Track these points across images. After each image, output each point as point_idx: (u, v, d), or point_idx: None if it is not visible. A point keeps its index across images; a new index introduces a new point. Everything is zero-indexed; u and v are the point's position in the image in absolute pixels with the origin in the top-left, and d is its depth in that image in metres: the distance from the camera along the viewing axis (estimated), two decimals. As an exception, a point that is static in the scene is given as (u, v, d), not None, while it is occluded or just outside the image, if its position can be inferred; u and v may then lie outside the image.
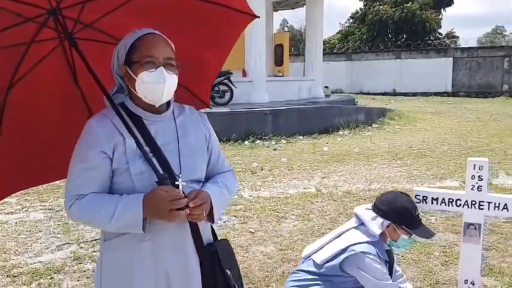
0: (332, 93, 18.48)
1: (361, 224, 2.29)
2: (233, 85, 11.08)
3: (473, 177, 2.26)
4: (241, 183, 6.23)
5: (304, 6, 16.06)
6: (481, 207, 2.28)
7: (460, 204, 2.32)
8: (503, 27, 53.05)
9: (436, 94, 24.22)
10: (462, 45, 28.49)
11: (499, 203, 2.26)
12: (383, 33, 31.99)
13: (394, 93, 25.10)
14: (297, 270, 2.40)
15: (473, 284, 2.35)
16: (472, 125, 12.71)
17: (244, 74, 12.59)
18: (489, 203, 2.27)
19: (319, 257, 2.27)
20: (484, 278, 3.24)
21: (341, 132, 10.98)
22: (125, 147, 1.45)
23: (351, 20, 38.00)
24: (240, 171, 6.88)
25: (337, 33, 40.33)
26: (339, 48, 34.12)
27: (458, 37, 34.29)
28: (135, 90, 1.49)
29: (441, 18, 33.20)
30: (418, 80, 24.64)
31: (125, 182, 1.45)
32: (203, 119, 1.68)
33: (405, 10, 30.56)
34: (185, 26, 1.68)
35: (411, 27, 30.71)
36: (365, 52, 28.07)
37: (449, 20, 51.20)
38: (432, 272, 3.35)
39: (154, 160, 1.45)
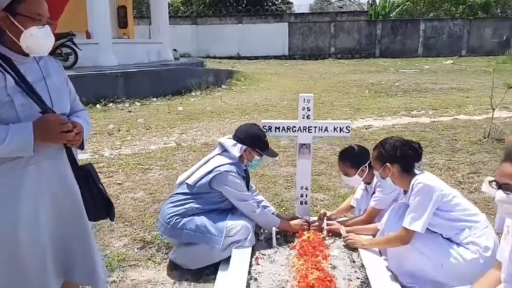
0: (180, 56, 18.70)
1: (224, 151, 2.83)
2: (77, 47, 10.54)
3: (303, 108, 2.97)
4: (99, 144, 6.28)
5: (146, -34, 15.73)
6: (310, 131, 3.01)
7: (295, 130, 3.02)
8: (330, -6, 58.49)
9: (275, 57, 26.20)
10: (296, 12, 31.03)
11: (322, 127, 3.02)
12: (225, -2, 32.80)
13: (239, 57, 26.35)
14: (172, 195, 2.84)
15: (307, 188, 3.12)
16: (306, 83, 14.42)
17: (88, 35, 12.00)
18: (315, 127, 3.01)
19: (191, 180, 2.75)
20: (316, 194, 4.14)
21: (193, 93, 11.46)
22: (6, 83, 1.66)
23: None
24: (96, 134, 6.86)
25: (179, -4, 39.97)
26: (184, 11, 33.98)
27: (292, 3, 37.06)
28: (16, 37, 1.70)
29: (277, -15, 35.38)
30: (259, 44, 26.24)
31: (7, 112, 1.66)
32: (60, 66, 1.97)
33: (244, -24, 31.70)
34: None
35: (251, -8, 32.08)
36: (209, 16, 28.57)
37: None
38: (278, 194, 4.15)
39: (31, 94, 1.72)
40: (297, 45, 27.28)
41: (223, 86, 12.95)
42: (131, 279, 2.70)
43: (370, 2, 31.20)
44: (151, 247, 3.10)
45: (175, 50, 16.72)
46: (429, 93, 11.28)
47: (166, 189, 4.25)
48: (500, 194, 1.56)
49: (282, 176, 4.70)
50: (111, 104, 9.60)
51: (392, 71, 18.24)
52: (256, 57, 25.66)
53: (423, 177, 2.42)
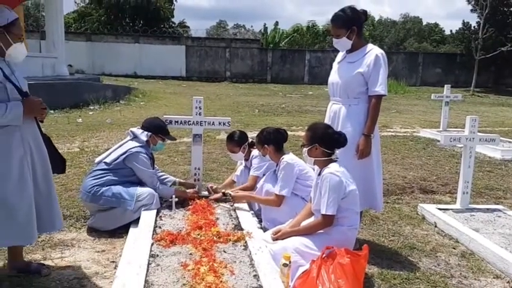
0: (75, 72, 18.53)
1: (134, 137, 3.66)
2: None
3: (196, 107, 3.96)
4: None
5: (41, -20, 15.59)
6: (201, 124, 4.01)
7: (190, 123, 4.00)
8: (226, 21, 61.19)
9: (173, 78, 26.83)
10: (193, 35, 32.15)
11: (210, 121, 4.06)
12: (120, 17, 32.61)
13: (135, 76, 26.41)
14: (92, 171, 3.58)
15: (199, 169, 4.07)
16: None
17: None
18: (205, 121, 4.03)
19: (109, 159, 3.53)
20: (207, 183, 5.07)
21: (91, 107, 11.78)
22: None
23: (87, 1, 37.20)
24: None
25: (73, 12, 38.86)
26: (76, 28, 33.16)
27: (189, 27, 38.15)
28: (5, 47, 2.52)
29: (174, 8, 36.23)
30: (157, 64, 26.66)
31: (1, 94, 2.47)
32: (16, 64, 2.73)
33: (141, -3, 31.99)
34: None
35: (147, 14, 32.50)
36: (104, 34, 28.33)
37: (181, 10, 55.88)
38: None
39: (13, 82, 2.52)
40: (194, 67, 28.22)
41: (121, 102, 13.39)
42: (58, 239, 3.35)
43: (262, 31, 33.54)
44: (71, 219, 3.76)
45: (70, 65, 16.63)
46: (308, 114, 13.03)
47: (77, 182, 4.85)
48: (303, 149, 2.77)
49: (180, 172, 5.57)
50: (5, 114, 9.57)
51: (281, 95, 20.15)
52: (154, 77, 26.00)
53: (288, 157, 3.46)
